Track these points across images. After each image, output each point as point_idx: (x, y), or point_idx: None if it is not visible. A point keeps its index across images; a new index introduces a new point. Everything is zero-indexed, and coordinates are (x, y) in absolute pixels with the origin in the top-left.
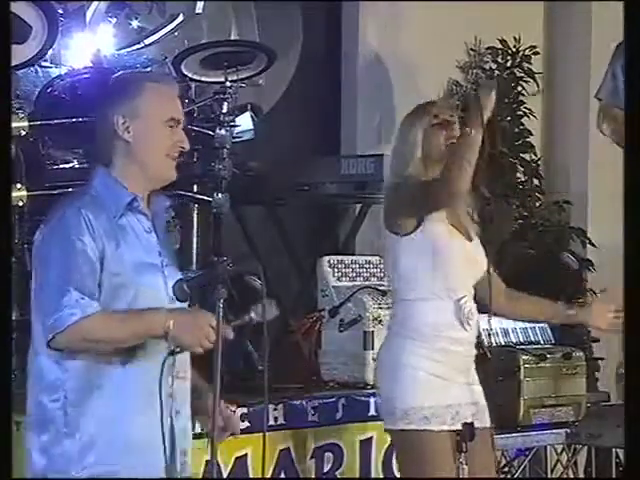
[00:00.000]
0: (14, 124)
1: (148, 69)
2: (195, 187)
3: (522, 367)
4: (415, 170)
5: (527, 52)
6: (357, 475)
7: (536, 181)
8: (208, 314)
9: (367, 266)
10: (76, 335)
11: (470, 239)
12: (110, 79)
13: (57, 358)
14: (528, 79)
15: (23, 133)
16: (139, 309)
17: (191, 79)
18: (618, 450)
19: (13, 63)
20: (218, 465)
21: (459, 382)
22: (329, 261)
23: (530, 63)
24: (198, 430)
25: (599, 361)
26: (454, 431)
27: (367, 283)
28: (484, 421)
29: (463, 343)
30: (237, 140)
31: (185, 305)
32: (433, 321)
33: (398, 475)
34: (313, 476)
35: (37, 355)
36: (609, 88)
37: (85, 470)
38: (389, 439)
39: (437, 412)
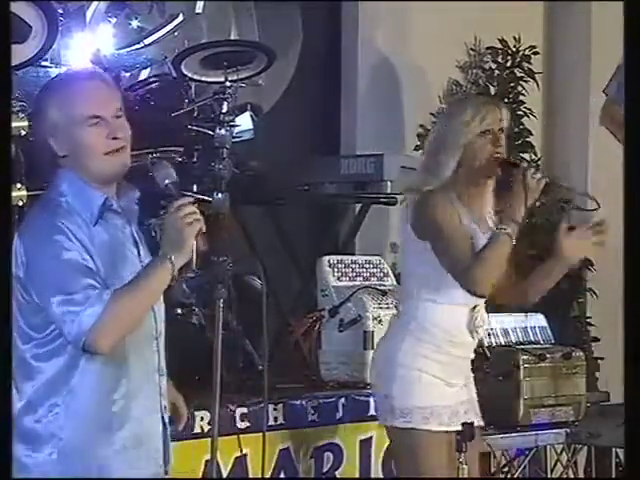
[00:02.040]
0: (14, 124)
1: (147, 70)
2: (195, 187)
3: (522, 367)
4: (447, 176)
5: (527, 52)
6: (357, 475)
7: None
8: (174, 205)
9: (367, 266)
10: (108, 325)
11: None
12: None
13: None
14: (528, 79)
15: (23, 133)
16: (141, 270)
17: (191, 79)
18: (618, 450)
19: (13, 63)
20: (218, 465)
21: (458, 384)
22: (329, 261)
23: (530, 63)
24: (198, 430)
25: (599, 361)
26: (451, 431)
27: (367, 283)
28: (477, 419)
29: (468, 348)
30: (237, 140)
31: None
32: (447, 327)
33: (395, 471)
34: (313, 476)
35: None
36: (616, 84)
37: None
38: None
39: (436, 412)
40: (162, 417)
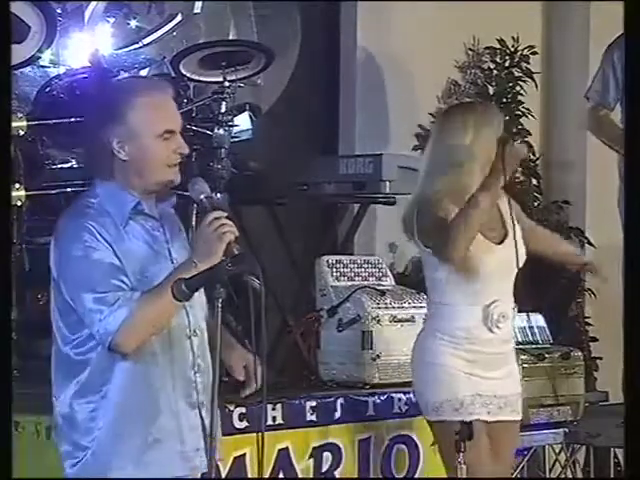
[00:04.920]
0: (13, 124)
1: (145, 70)
2: None
3: (521, 367)
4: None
5: (525, 52)
6: (355, 475)
7: (534, 181)
8: (209, 217)
9: (365, 266)
10: (134, 326)
11: (500, 241)
12: (104, 97)
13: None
14: (526, 79)
15: (21, 133)
16: (168, 274)
17: (189, 79)
18: (616, 450)
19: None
20: (217, 464)
21: (491, 377)
22: (327, 261)
23: (528, 63)
24: None
25: (597, 361)
26: (487, 421)
27: (365, 283)
28: (512, 413)
29: (494, 344)
30: (235, 140)
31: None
32: (464, 325)
33: (394, 473)
34: (311, 476)
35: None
36: (597, 87)
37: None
38: (387, 439)
39: (465, 402)
40: (200, 413)
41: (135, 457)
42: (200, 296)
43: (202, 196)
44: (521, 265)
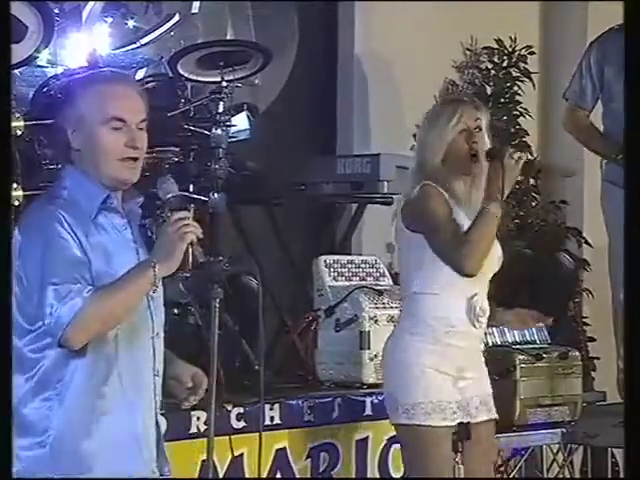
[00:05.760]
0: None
1: (143, 70)
2: (191, 187)
3: (518, 367)
4: (434, 174)
5: (523, 52)
6: (353, 475)
7: (532, 181)
8: (172, 217)
9: (363, 266)
10: (85, 321)
11: None
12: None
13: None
14: (524, 79)
15: (19, 133)
16: (125, 272)
17: (187, 79)
18: (614, 450)
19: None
20: (214, 465)
21: (465, 377)
22: (325, 261)
23: (526, 63)
24: (194, 430)
25: (595, 361)
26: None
27: (363, 283)
28: (488, 413)
29: (472, 339)
30: (233, 140)
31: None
32: (444, 316)
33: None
34: (309, 476)
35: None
36: (575, 88)
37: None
38: (385, 439)
39: (439, 407)
40: (155, 416)
41: (91, 457)
42: (160, 298)
43: (169, 195)
44: (496, 269)
